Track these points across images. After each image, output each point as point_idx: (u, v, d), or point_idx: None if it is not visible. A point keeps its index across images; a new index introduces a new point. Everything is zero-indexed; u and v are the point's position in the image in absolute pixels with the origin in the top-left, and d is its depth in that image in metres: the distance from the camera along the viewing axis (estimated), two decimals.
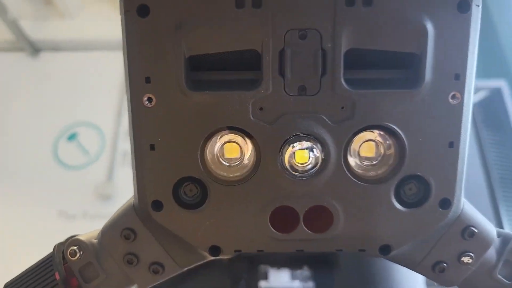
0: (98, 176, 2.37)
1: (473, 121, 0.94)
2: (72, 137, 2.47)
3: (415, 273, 0.60)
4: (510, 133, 1.13)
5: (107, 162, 2.39)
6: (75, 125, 2.48)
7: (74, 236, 0.38)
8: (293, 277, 0.91)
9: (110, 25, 2.55)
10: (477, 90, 0.99)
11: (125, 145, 2.41)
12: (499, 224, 0.78)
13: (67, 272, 0.36)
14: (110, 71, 2.51)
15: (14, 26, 2.45)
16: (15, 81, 2.57)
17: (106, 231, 0.36)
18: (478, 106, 1.14)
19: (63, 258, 0.37)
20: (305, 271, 0.95)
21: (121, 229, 0.35)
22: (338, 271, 0.82)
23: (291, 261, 0.95)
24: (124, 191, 2.32)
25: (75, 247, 0.36)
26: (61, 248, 0.37)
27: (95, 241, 0.37)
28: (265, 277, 0.92)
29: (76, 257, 0.36)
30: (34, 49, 2.59)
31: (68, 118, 2.47)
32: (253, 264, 0.95)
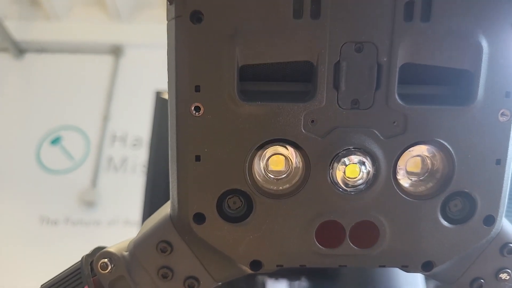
0: (81, 181, 2.32)
1: None
2: (55, 141, 2.41)
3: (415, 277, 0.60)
4: None
5: (91, 167, 2.33)
6: (59, 129, 2.42)
7: (102, 247, 0.36)
8: None
9: (98, 28, 2.53)
10: None
11: (111, 150, 2.37)
12: None
13: (96, 286, 0.35)
14: (96, 75, 2.47)
15: None
16: None
17: (140, 244, 0.34)
18: None
19: (91, 269, 0.35)
20: (303, 282, 0.94)
21: (157, 241, 0.34)
22: (337, 281, 0.82)
23: (289, 272, 0.94)
24: (108, 198, 2.27)
25: (106, 260, 0.34)
26: (89, 260, 0.36)
27: (126, 253, 0.35)
28: (263, 287, 0.91)
29: (107, 270, 0.34)
30: (19, 50, 2.53)
31: (52, 121, 2.41)
32: (250, 275, 0.94)
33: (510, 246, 0.34)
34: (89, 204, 2.25)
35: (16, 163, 2.36)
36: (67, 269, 0.37)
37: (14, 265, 1.97)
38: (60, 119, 2.45)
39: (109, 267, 0.34)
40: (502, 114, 0.31)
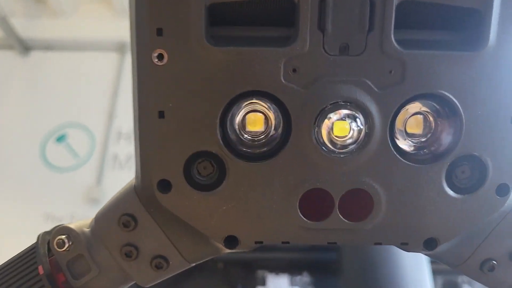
0: (87, 179, 2.30)
1: None
2: (61, 138, 2.40)
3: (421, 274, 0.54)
4: None
5: (96, 165, 2.31)
6: (64, 126, 2.41)
7: (63, 224, 0.32)
8: (292, 283, 0.86)
9: (104, 25, 2.52)
10: None
11: (116, 148, 2.35)
12: None
13: (52, 266, 0.31)
14: (102, 72, 2.46)
15: (4, 23, 2.38)
16: (4, 80, 2.50)
17: (101, 218, 0.30)
18: None
19: (49, 249, 0.31)
20: (305, 277, 0.89)
21: (119, 215, 0.30)
22: (340, 276, 0.77)
23: (290, 266, 0.89)
24: (113, 195, 2.25)
25: (63, 236, 0.30)
26: (46, 238, 0.32)
27: (87, 230, 0.31)
28: (263, 283, 0.87)
29: (64, 248, 0.30)
30: (25, 47, 2.52)
31: (57, 119, 2.40)
32: (250, 270, 0.90)
33: None
34: (94, 201, 2.24)
35: (21, 161, 2.35)
36: (24, 249, 0.33)
37: None
38: (65, 117, 2.44)
39: (66, 245, 0.30)
40: None
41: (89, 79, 2.47)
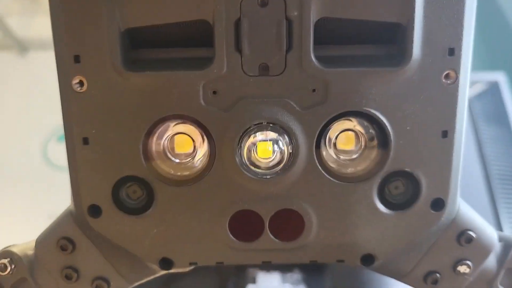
0: None
1: (470, 115, 0.88)
2: (62, 137, 2.42)
3: None
4: (508, 129, 1.08)
5: None
6: None
7: (6, 247, 0.33)
8: (283, 280, 0.86)
9: None
10: (473, 83, 0.93)
11: None
12: (498, 226, 0.73)
13: None
14: None
15: (0, 23, 2.39)
16: (2, 80, 2.52)
17: (41, 242, 0.31)
18: (475, 100, 1.08)
19: None
20: (296, 274, 0.89)
21: (57, 238, 0.30)
22: (329, 273, 0.77)
23: (281, 264, 0.89)
24: None
25: (5, 260, 0.31)
26: None
27: (30, 253, 0.31)
28: (253, 280, 0.87)
29: (6, 272, 0.30)
30: (22, 47, 2.53)
31: (58, 118, 2.40)
32: (241, 268, 0.90)
33: (468, 233, 0.29)
34: None
35: (23, 161, 2.37)
36: None
37: None
38: None
39: (9, 268, 0.30)
40: (447, 76, 0.26)
41: None
